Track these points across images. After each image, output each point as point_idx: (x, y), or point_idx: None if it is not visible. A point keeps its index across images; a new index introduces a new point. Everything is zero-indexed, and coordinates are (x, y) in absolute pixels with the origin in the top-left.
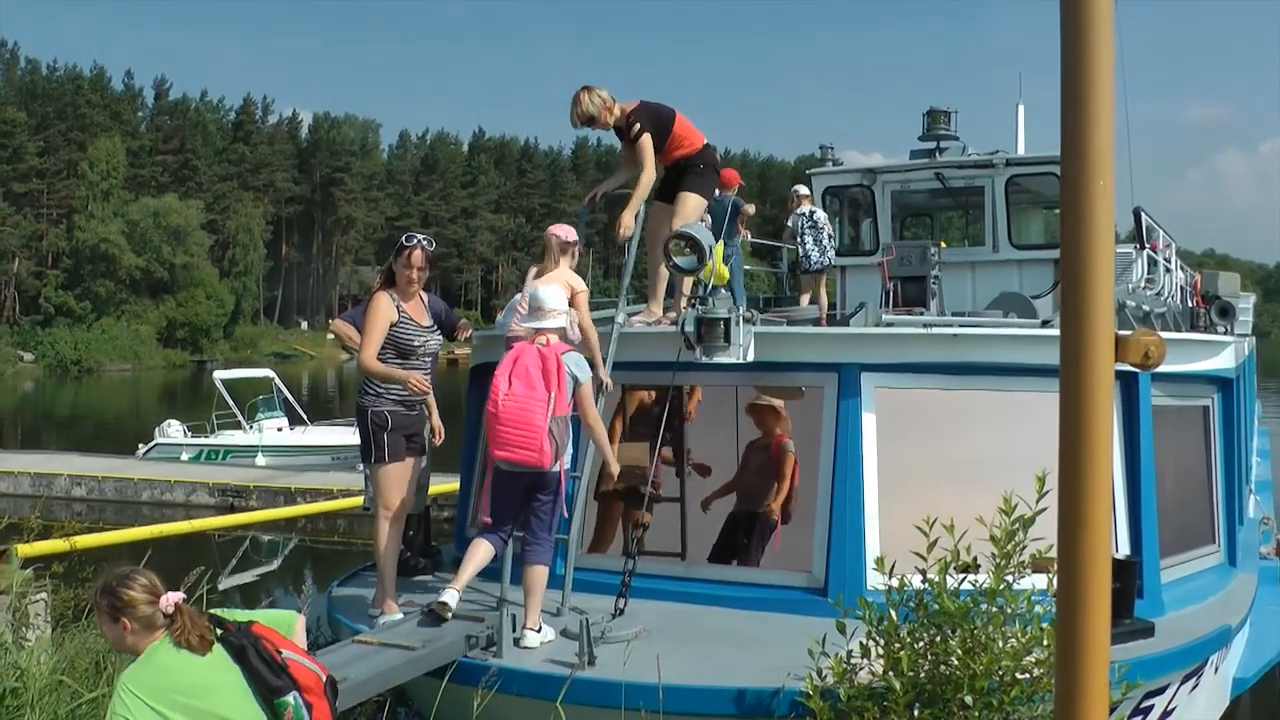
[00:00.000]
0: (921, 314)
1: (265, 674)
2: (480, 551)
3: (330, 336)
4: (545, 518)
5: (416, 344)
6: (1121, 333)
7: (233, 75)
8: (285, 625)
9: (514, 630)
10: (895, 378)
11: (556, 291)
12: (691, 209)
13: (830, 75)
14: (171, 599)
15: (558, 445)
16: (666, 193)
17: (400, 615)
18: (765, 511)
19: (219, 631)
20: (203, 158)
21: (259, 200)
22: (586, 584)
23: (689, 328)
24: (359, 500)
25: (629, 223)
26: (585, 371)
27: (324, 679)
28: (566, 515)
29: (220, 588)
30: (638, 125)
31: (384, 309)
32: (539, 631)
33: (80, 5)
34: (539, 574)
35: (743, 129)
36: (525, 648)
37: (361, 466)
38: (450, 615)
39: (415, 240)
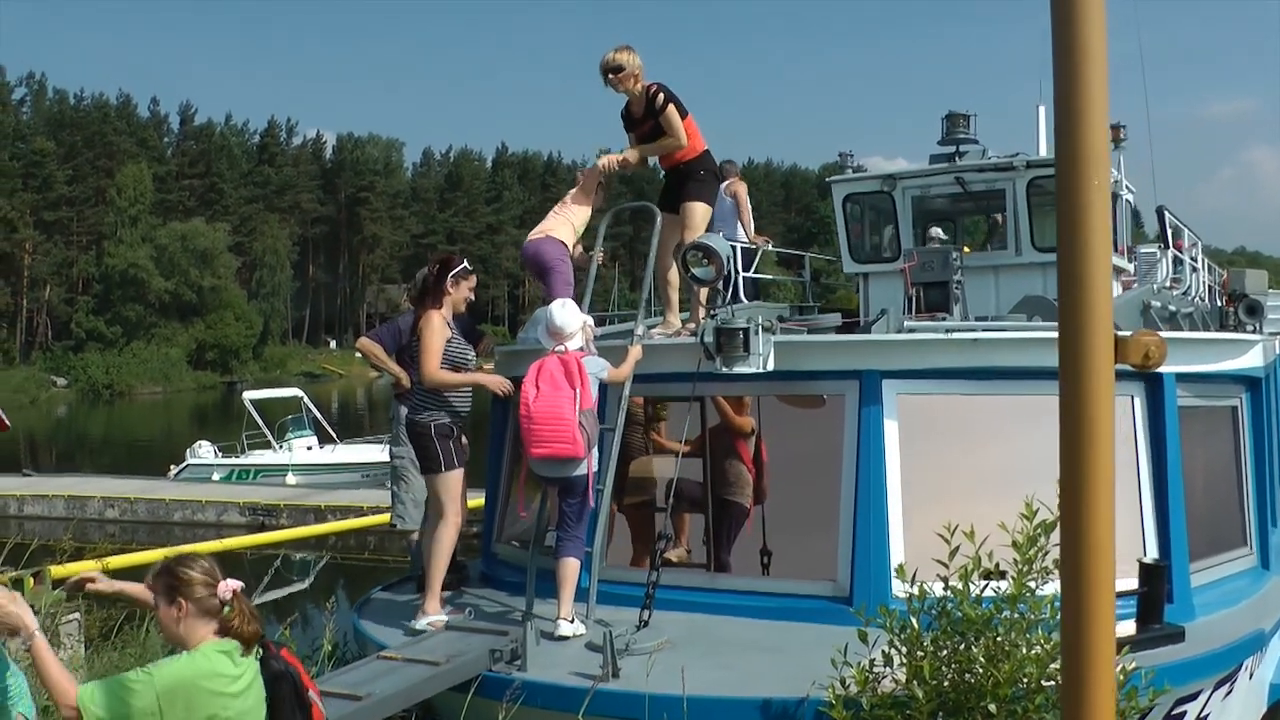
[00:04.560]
0: (944, 319)
1: (288, 712)
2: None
3: (359, 355)
4: (574, 516)
5: (469, 359)
6: (1121, 333)
7: (256, 98)
8: None
9: (538, 642)
10: (917, 384)
11: (571, 312)
12: (700, 218)
13: (853, 81)
14: (229, 585)
15: (588, 437)
16: (669, 202)
17: (445, 616)
18: (738, 499)
19: (261, 651)
20: (228, 181)
21: (285, 221)
22: (612, 596)
23: (708, 338)
24: (388, 517)
25: (634, 157)
26: (602, 365)
27: None
28: (593, 505)
29: (255, 603)
30: (661, 95)
31: (441, 327)
32: (572, 622)
33: (106, 35)
34: (569, 566)
35: (766, 137)
36: (560, 636)
37: (390, 485)
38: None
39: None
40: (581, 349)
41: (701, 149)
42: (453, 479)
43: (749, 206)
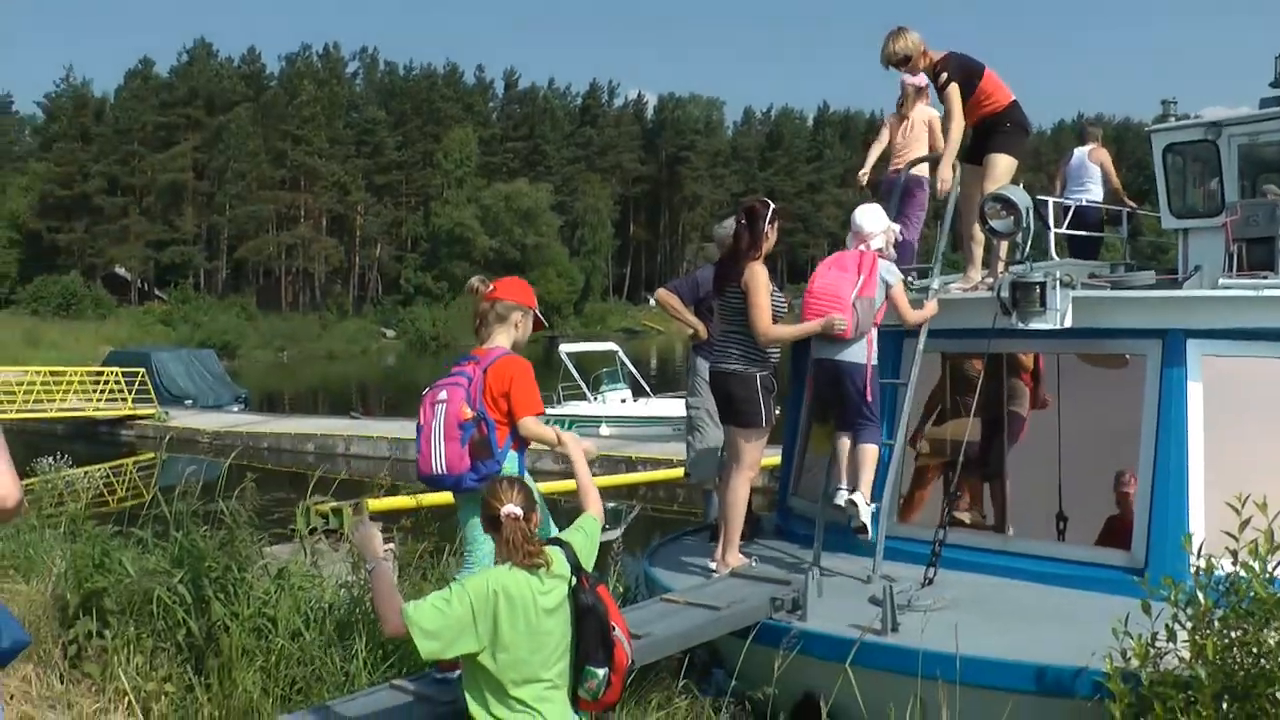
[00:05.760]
0: (1267, 278)
1: (592, 646)
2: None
3: (653, 306)
4: (860, 405)
5: (783, 309)
6: None
7: (578, 63)
8: (594, 538)
9: (820, 593)
10: (1225, 345)
11: (874, 214)
12: (1003, 170)
13: (1195, 23)
14: (508, 509)
15: (860, 319)
16: (974, 154)
17: (748, 563)
18: (1016, 409)
19: (573, 580)
20: (551, 142)
21: (606, 181)
22: (901, 553)
23: (1004, 293)
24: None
25: (946, 176)
26: (896, 276)
27: (629, 663)
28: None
29: None
30: (944, 75)
31: (767, 282)
32: (870, 504)
33: (433, 9)
34: (866, 451)
35: (1099, 89)
36: (849, 503)
37: (690, 436)
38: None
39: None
40: (880, 250)
41: (1007, 101)
42: (761, 437)
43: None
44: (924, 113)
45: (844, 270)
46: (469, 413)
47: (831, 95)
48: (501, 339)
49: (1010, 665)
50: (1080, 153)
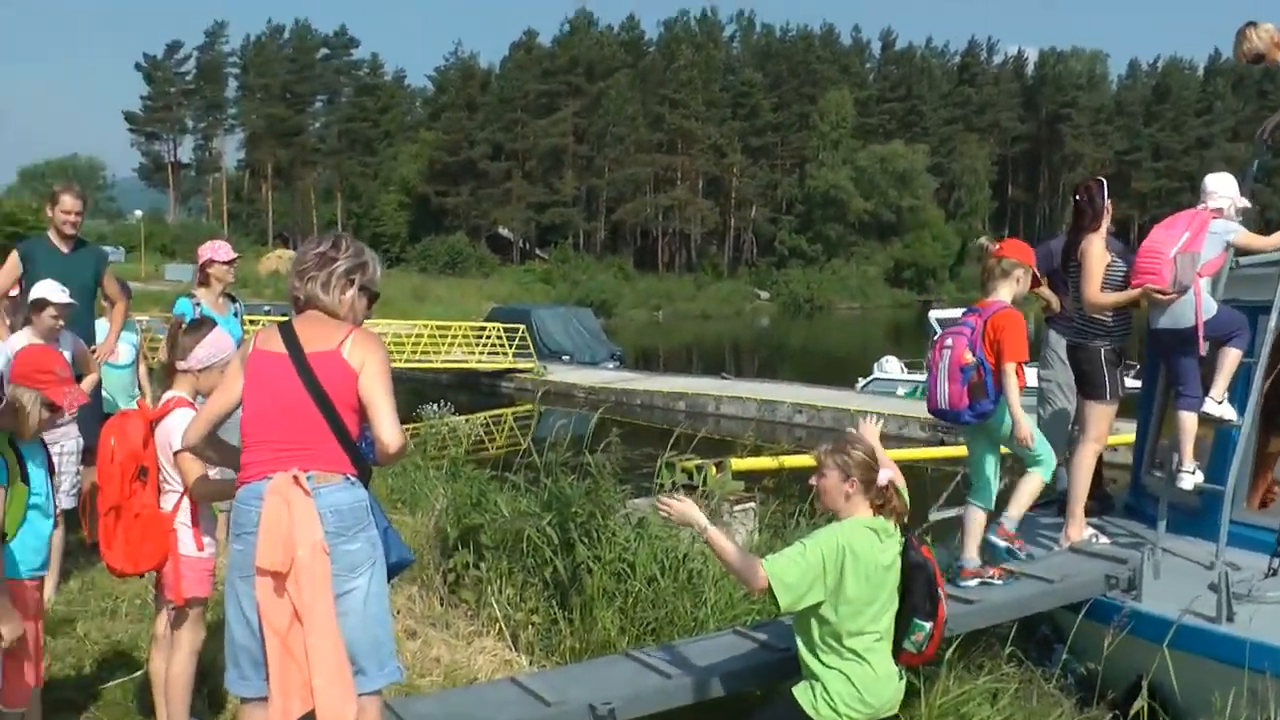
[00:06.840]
0: None
1: (920, 601)
2: None
3: None
4: (1183, 372)
5: (1119, 281)
6: None
7: (957, 20)
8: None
9: (1158, 575)
10: None
11: (1224, 178)
12: None
13: None
14: (887, 474)
15: (1178, 273)
16: None
17: (1090, 537)
18: None
19: (904, 541)
20: (928, 102)
21: (984, 141)
22: (1251, 540)
23: None
24: None
25: None
26: (1235, 231)
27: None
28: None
29: (930, 520)
30: None
31: (1101, 252)
32: (1193, 473)
33: None
34: (1185, 419)
35: None
36: (1180, 487)
37: (1040, 408)
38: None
39: None
40: (1220, 210)
41: None
42: (1111, 408)
43: None
44: None
45: (1171, 228)
46: (969, 358)
47: (1225, 42)
48: (1004, 292)
49: None
50: None
